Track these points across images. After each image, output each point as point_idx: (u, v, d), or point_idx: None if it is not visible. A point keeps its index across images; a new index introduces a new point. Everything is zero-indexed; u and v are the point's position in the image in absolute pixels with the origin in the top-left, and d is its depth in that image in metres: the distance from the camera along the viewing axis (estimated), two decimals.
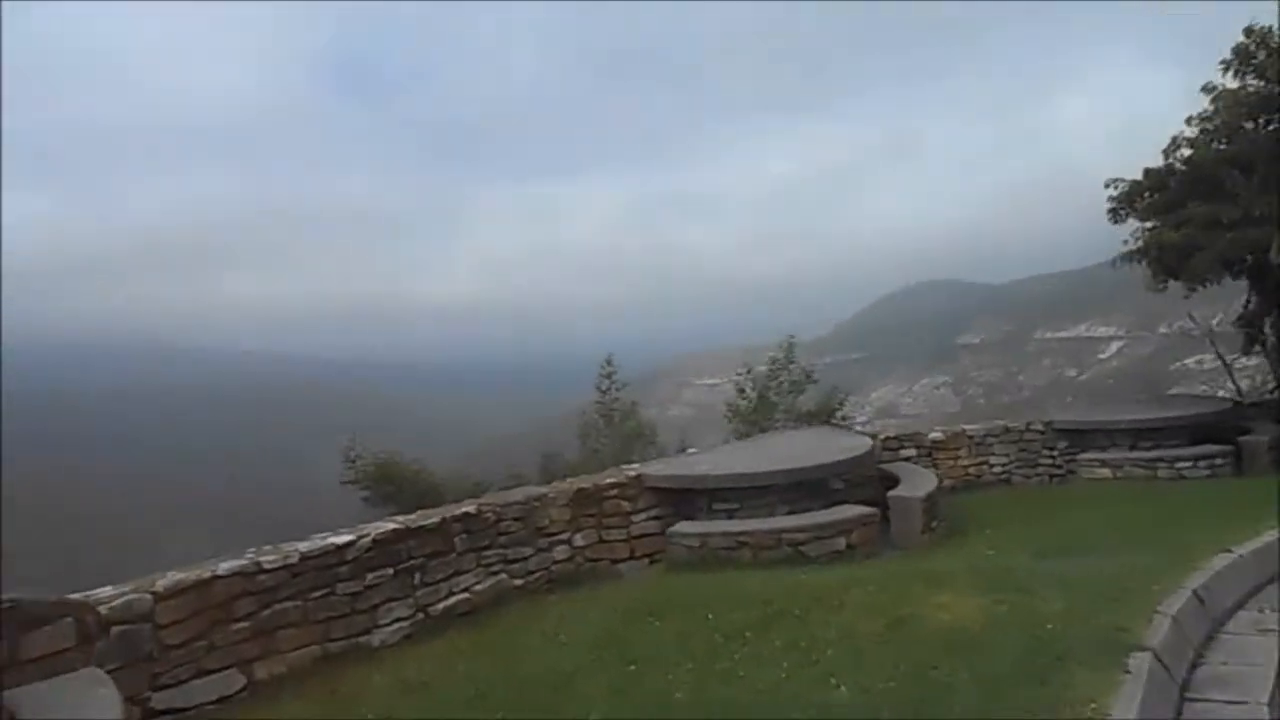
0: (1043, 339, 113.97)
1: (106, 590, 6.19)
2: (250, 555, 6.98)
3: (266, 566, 6.84)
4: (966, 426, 14.31)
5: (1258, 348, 17.15)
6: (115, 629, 5.92)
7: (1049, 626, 6.23)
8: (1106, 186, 15.47)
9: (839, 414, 19.46)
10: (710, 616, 7.24)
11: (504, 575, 8.83)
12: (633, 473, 10.36)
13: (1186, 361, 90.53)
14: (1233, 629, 7.13)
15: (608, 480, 10.09)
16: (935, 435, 13.98)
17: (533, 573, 9.13)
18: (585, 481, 10.01)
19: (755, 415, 19.51)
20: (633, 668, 6.26)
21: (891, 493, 10.53)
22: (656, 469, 10.63)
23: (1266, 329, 15.43)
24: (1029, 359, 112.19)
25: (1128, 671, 5.47)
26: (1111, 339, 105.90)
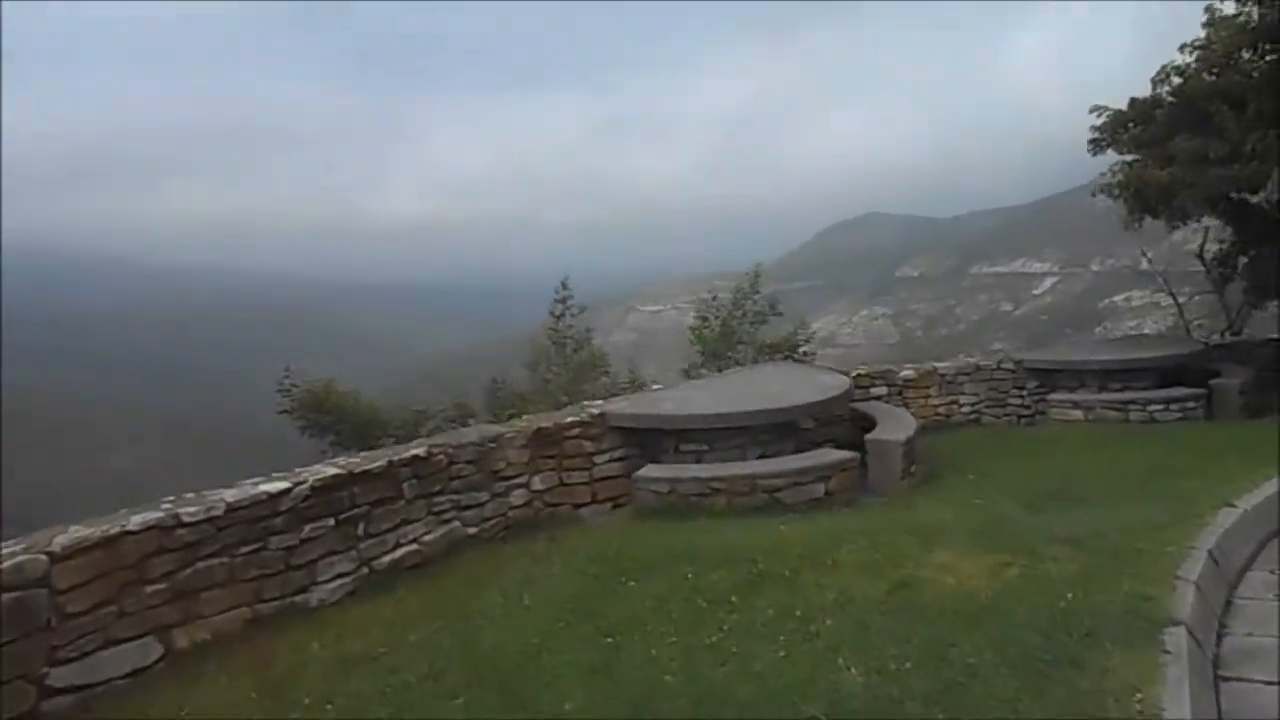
0: (979, 273, 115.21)
1: None
2: (167, 506, 6.07)
3: (186, 519, 5.96)
4: (937, 364, 13.76)
5: (1210, 287, 16.90)
6: (4, 596, 5.04)
7: (1069, 595, 5.64)
8: (1091, 112, 14.81)
9: (801, 349, 18.90)
10: (690, 576, 6.56)
11: (457, 523, 8.04)
12: (595, 411, 9.57)
13: (1115, 299, 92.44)
14: (1247, 593, 6.65)
15: (569, 419, 9.30)
16: (906, 373, 13.40)
17: (488, 519, 8.36)
18: (545, 420, 9.21)
19: (718, 345, 18.83)
20: (609, 640, 5.54)
21: (869, 435, 9.92)
22: (620, 406, 9.85)
23: (1240, 269, 15.06)
24: (965, 293, 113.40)
25: (1166, 651, 4.91)
26: (1045, 275, 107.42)
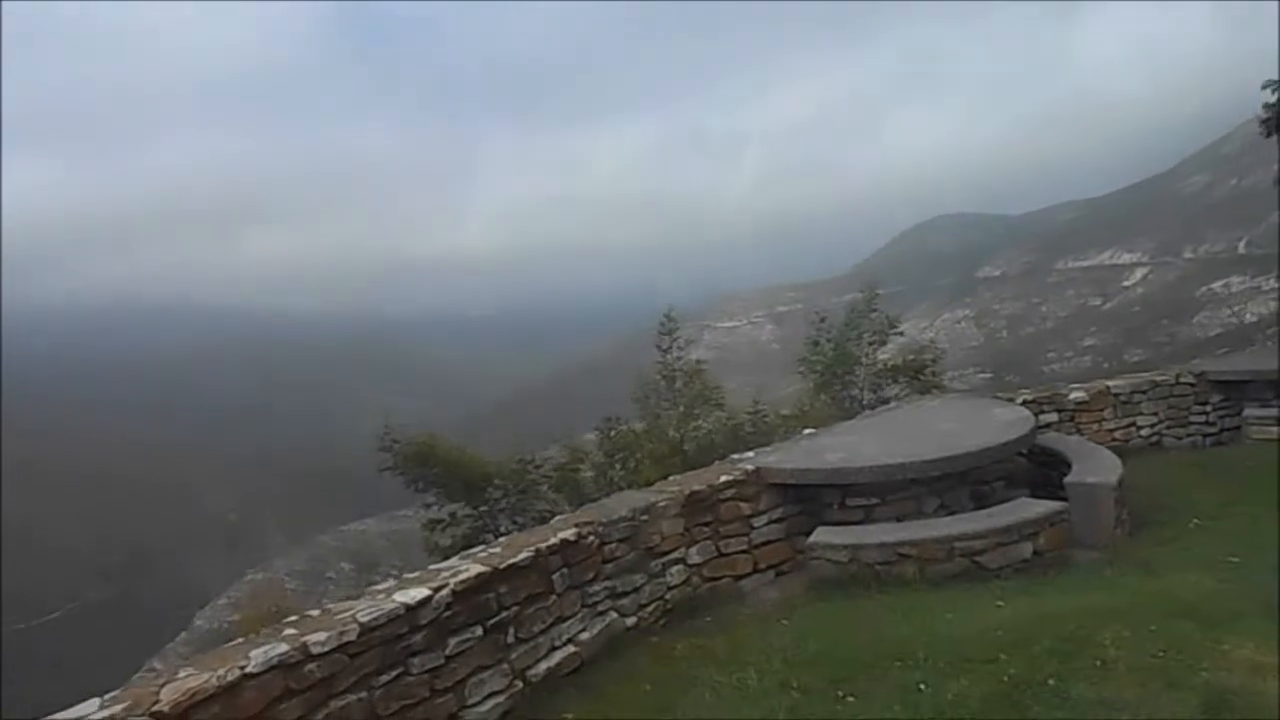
0: (1065, 269, 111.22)
1: (90, 709, 4.26)
2: (290, 632, 5.02)
3: (315, 650, 4.88)
4: (1110, 383, 12.19)
5: None
6: None
7: None
8: (1264, 88, 13.13)
9: (929, 370, 17.41)
10: (922, 687, 5.26)
11: (613, 614, 6.88)
12: (749, 466, 8.34)
13: (1213, 285, 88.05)
14: None
15: (721, 478, 8.08)
16: (1076, 395, 11.86)
17: (645, 605, 7.18)
18: (697, 481, 8.00)
19: (833, 369, 17.45)
20: None
21: (1071, 478, 8.49)
22: (777, 460, 8.60)
23: None
24: (1051, 289, 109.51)
25: None
26: (1135, 265, 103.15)
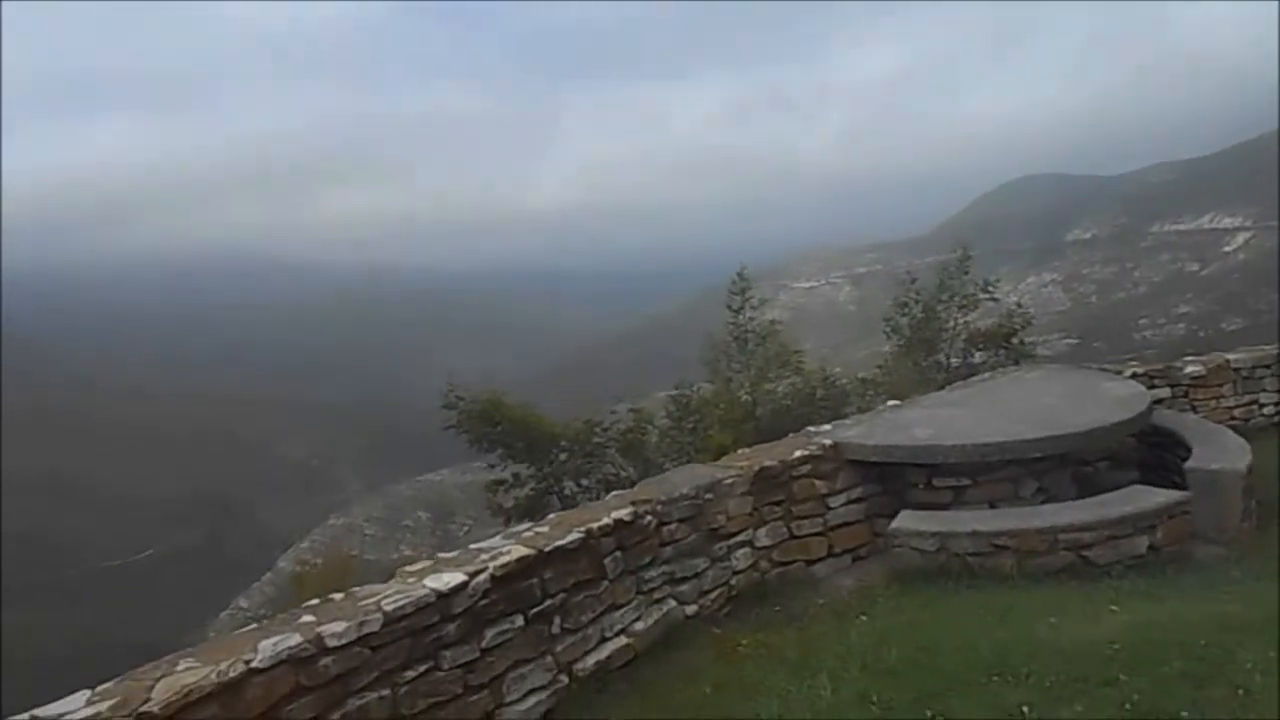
0: (1160, 232, 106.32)
1: (75, 705, 3.77)
2: (307, 619, 4.48)
3: (331, 643, 4.33)
4: (1230, 356, 11.05)
5: None
6: None
7: None
8: None
9: (1018, 336, 16.31)
10: (1025, 710, 4.50)
11: (672, 602, 6.24)
12: (827, 441, 7.58)
13: None
14: None
15: (796, 453, 7.34)
16: (1193, 369, 10.76)
17: (708, 592, 6.53)
18: (768, 456, 7.28)
19: (921, 334, 16.47)
20: None
21: (1191, 464, 7.54)
22: (858, 434, 7.83)
23: None
24: (1145, 254, 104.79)
25: None
26: (1237, 230, 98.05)
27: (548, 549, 5.40)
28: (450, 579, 4.90)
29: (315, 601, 4.79)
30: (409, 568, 5.20)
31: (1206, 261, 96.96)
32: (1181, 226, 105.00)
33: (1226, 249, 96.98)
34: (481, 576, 5.02)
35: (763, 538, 7.02)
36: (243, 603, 57.28)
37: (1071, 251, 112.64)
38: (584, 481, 15.53)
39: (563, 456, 15.20)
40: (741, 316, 15.87)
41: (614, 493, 6.66)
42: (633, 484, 15.20)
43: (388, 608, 4.60)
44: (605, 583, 5.75)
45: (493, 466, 15.36)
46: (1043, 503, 7.58)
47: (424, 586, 4.81)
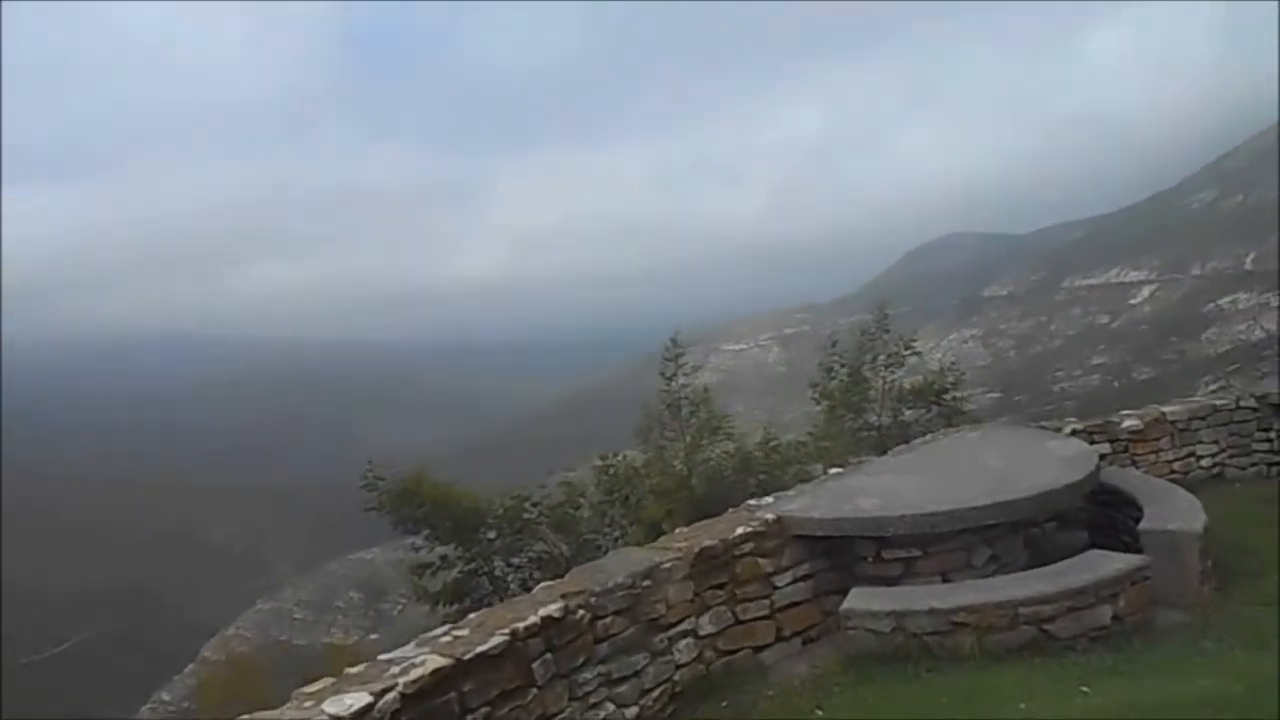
0: (1072, 287, 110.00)
1: None
2: None
3: None
4: (1165, 409, 10.95)
5: None
6: None
7: None
8: None
9: (949, 394, 16.22)
10: None
11: (610, 706, 5.65)
12: (769, 516, 7.11)
13: (1220, 302, 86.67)
14: None
15: (738, 530, 6.85)
16: (1130, 423, 10.60)
17: (649, 690, 5.94)
18: (708, 535, 6.77)
19: (847, 397, 16.26)
20: None
21: (1145, 525, 7.26)
22: (801, 507, 7.37)
23: None
24: (1059, 308, 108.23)
25: None
26: (1143, 283, 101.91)
27: (467, 657, 4.80)
28: (353, 701, 4.27)
29: None
30: (307, 688, 4.56)
31: (1116, 314, 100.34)
32: (1092, 281, 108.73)
33: (1134, 301, 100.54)
34: (390, 696, 4.40)
35: (706, 625, 6.49)
36: (165, 695, 54.52)
37: (990, 307, 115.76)
38: (515, 560, 14.85)
39: (491, 534, 14.53)
40: (674, 383, 15.47)
41: (541, 585, 6.07)
42: (566, 561, 14.67)
43: None
44: (534, 690, 5.15)
45: (418, 549, 14.61)
46: (996, 571, 7.21)
47: (322, 713, 4.17)
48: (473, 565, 14.45)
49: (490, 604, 14.48)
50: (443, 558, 14.38)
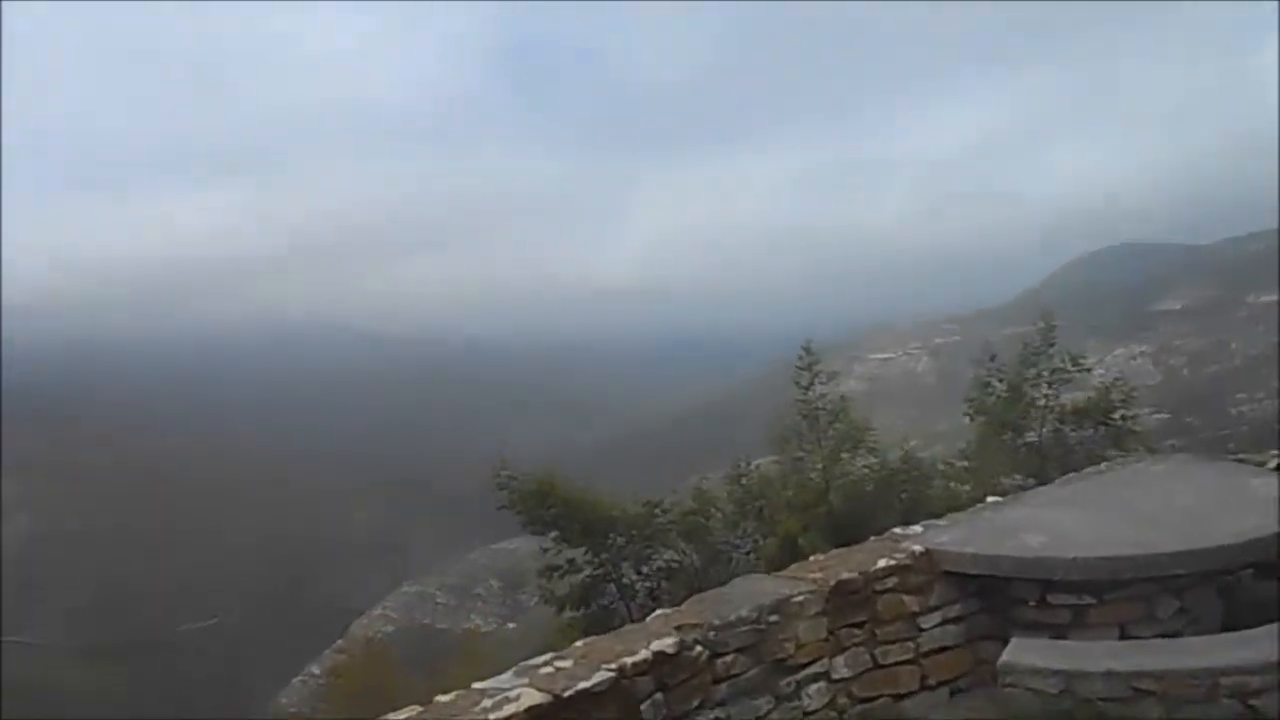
0: (1255, 303, 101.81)
1: None
2: None
3: None
4: None
5: None
6: None
7: None
8: None
9: (1118, 414, 14.82)
10: None
11: None
12: (917, 548, 6.34)
13: None
14: None
15: (880, 563, 6.12)
16: None
17: None
18: (845, 567, 6.07)
19: (1005, 415, 15.08)
20: None
21: None
22: (955, 540, 6.57)
23: None
24: (1239, 325, 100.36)
25: None
26: None
27: (567, 694, 4.30)
28: None
29: None
30: (392, 716, 4.14)
31: None
32: (1277, 297, 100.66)
33: None
34: None
35: (841, 668, 5.79)
36: (315, 669, 57.05)
37: (1161, 322, 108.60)
38: (644, 569, 14.47)
39: (621, 540, 14.17)
40: (811, 392, 14.68)
41: (655, 614, 5.50)
42: (696, 571, 14.15)
43: None
44: None
45: (545, 550, 14.41)
46: (1185, 626, 6.22)
47: None
48: (600, 570, 14.15)
49: (616, 611, 14.21)
50: (570, 561, 14.15)
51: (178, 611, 77.23)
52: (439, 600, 72.10)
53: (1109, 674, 5.36)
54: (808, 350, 15.00)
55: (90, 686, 63.49)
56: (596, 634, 8.53)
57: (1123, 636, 6.14)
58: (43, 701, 57.22)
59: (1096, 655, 5.57)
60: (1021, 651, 5.70)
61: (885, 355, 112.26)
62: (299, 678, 56.39)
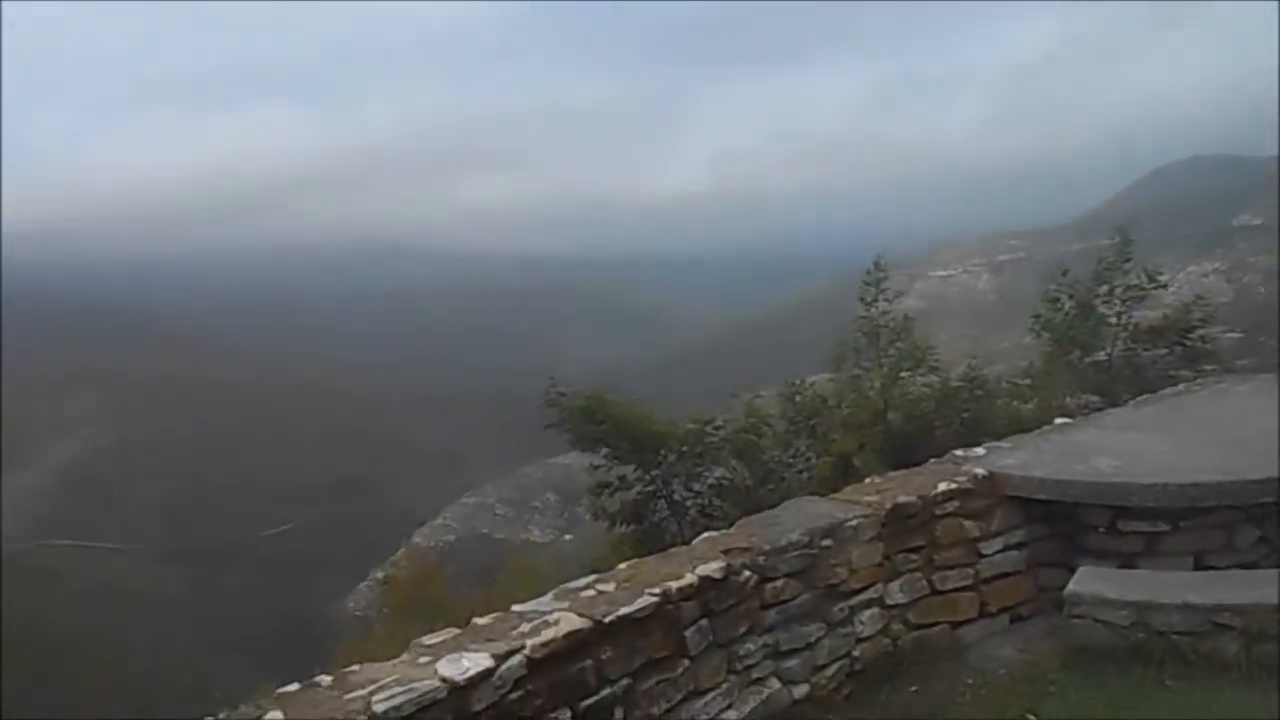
0: None
1: None
2: (273, 715, 3.34)
3: None
4: None
5: None
6: None
7: None
8: None
9: (1196, 333, 14.16)
10: None
11: (775, 682, 4.86)
12: (979, 471, 6.02)
13: None
14: None
15: (941, 486, 5.82)
16: None
17: (822, 668, 5.10)
18: (903, 490, 5.77)
19: (1074, 332, 14.49)
20: None
21: None
22: (1019, 463, 6.23)
23: None
24: None
25: None
26: None
27: (608, 619, 4.11)
28: (470, 664, 3.67)
29: (294, 687, 3.65)
30: (426, 639, 4.01)
31: None
32: None
33: None
34: (514, 660, 3.78)
35: (896, 594, 5.55)
36: (379, 574, 59.05)
37: (1238, 238, 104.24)
38: (694, 486, 14.31)
39: (671, 458, 14.01)
40: (874, 309, 14.22)
41: (702, 536, 5.29)
42: (747, 489, 13.97)
43: (378, 708, 3.40)
44: (685, 661, 4.42)
45: (596, 468, 14.32)
46: (1265, 557, 5.85)
47: (435, 677, 3.59)
48: (651, 487, 14.02)
49: (667, 527, 14.14)
50: (621, 478, 14.02)
51: (251, 518, 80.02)
52: (498, 511, 73.66)
53: (1186, 606, 5.05)
54: (878, 265, 14.51)
55: (166, 589, 66.55)
56: (649, 550, 8.41)
57: (1197, 566, 5.80)
58: (122, 604, 60.22)
59: (1172, 586, 5.25)
60: (1090, 580, 5.40)
61: (946, 272, 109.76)
62: (364, 582, 58.27)
